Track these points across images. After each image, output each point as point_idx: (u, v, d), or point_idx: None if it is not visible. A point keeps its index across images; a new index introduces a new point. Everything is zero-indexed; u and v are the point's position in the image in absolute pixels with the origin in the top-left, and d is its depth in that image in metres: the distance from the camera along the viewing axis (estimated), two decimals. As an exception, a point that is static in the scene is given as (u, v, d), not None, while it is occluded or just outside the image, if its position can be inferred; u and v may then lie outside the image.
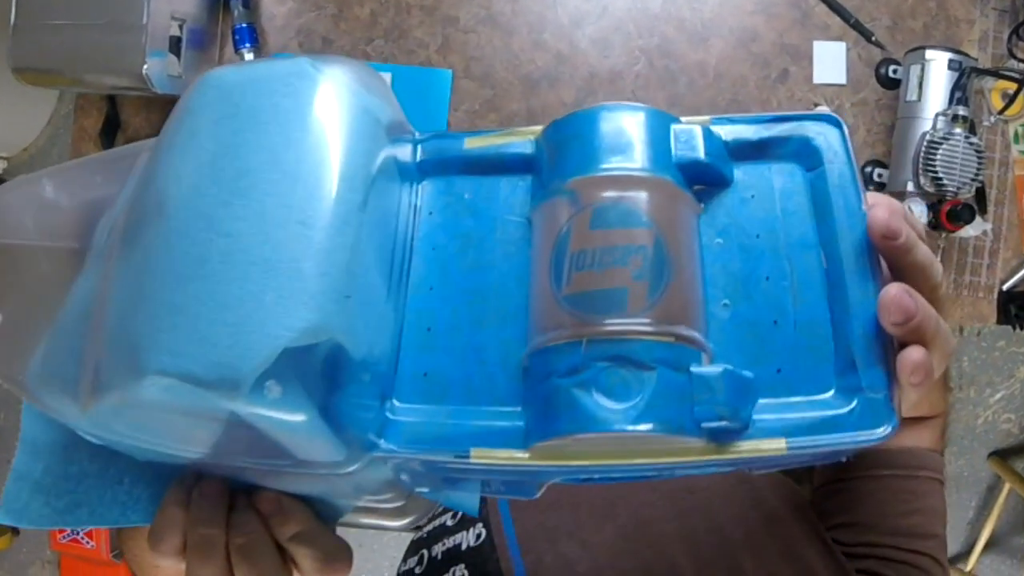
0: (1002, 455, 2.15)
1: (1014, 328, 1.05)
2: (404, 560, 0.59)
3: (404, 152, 0.41)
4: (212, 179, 0.34)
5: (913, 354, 0.32)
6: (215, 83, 0.38)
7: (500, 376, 0.36)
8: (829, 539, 0.59)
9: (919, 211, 0.93)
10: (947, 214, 0.92)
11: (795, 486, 0.66)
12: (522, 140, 0.41)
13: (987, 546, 2.07)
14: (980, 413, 2.15)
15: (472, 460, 0.33)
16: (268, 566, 0.38)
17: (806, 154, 0.38)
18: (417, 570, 0.57)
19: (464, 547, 0.57)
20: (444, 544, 0.58)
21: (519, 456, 0.33)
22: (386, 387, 0.36)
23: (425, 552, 0.58)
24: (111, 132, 1.01)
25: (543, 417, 0.33)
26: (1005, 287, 1.04)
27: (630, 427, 0.30)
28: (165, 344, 0.31)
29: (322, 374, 0.32)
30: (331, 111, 0.36)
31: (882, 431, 0.32)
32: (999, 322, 1.04)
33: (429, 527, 0.61)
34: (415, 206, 0.42)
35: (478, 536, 0.57)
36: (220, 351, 0.30)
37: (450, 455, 0.34)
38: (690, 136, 0.38)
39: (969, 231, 1.01)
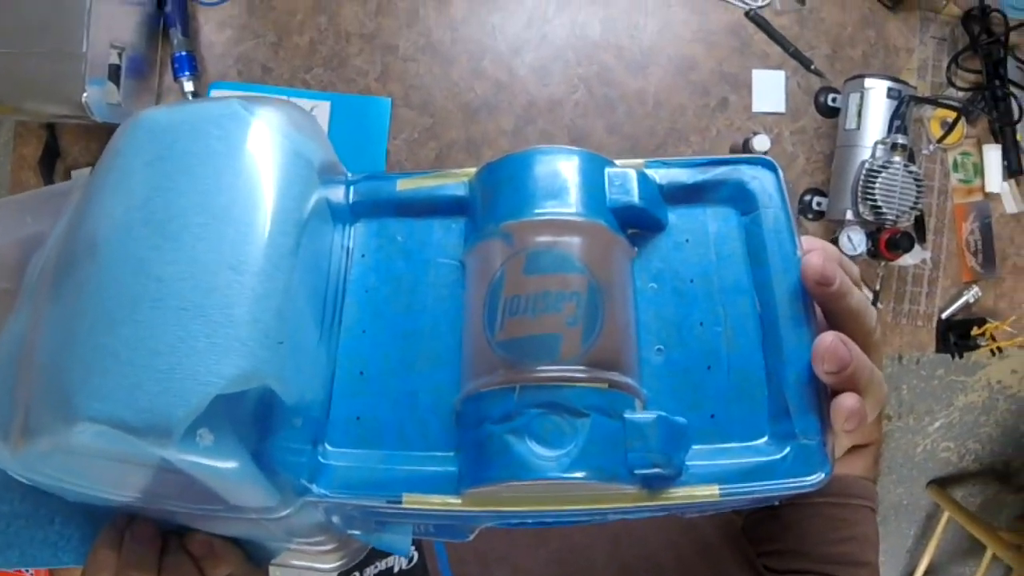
0: (941, 483, 2.15)
1: (953, 356, 1.03)
2: None
3: (336, 194, 0.41)
4: (143, 221, 0.34)
5: (847, 401, 0.31)
6: (147, 124, 0.37)
7: (433, 421, 0.35)
8: (760, 566, 0.59)
9: (858, 240, 0.93)
10: (886, 242, 0.91)
11: (728, 513, 0.66)
12: (455, 183, 0.40)
13: (926, 574, 2.06)
14: (919, 442, 2.14)
15: (404, 506, 0.33)
16: None
17: (741, 198, 0.38)
18: None
19: (396, 570, 0.56)
20: (376, 567, 0.57)
21: (452, 502, 0.33)
22: (318, 432, 0.36)
23: (357, 574, 0.57)
24: (50, 161, 0.99)
25: (476, 464, 0.32)
26: (944, 315, 1.04)
27: (563, 475, 0.30)
28: (95, 390, 0.30)
29: (254, 420, 0.31)
30: (263, 154, 0.36)
31: (815, 478, 0.32)
32: (938, 350, 1.04)
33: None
34: (347, 248, 0.41)
35: (410, 560, 0.57)
36: (151, 398, 0.30)
37: (382, 500, 0.33)
38: (624, 180, 0.37)
39: (908, 259, 1.00)
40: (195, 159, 0.36)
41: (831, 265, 0.33)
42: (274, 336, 0.32)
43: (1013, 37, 1.04)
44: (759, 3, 1.01)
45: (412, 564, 0.57)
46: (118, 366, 0.31)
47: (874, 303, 0.93)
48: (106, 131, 0.99)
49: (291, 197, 0.36)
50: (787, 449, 0.32)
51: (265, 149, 0.36)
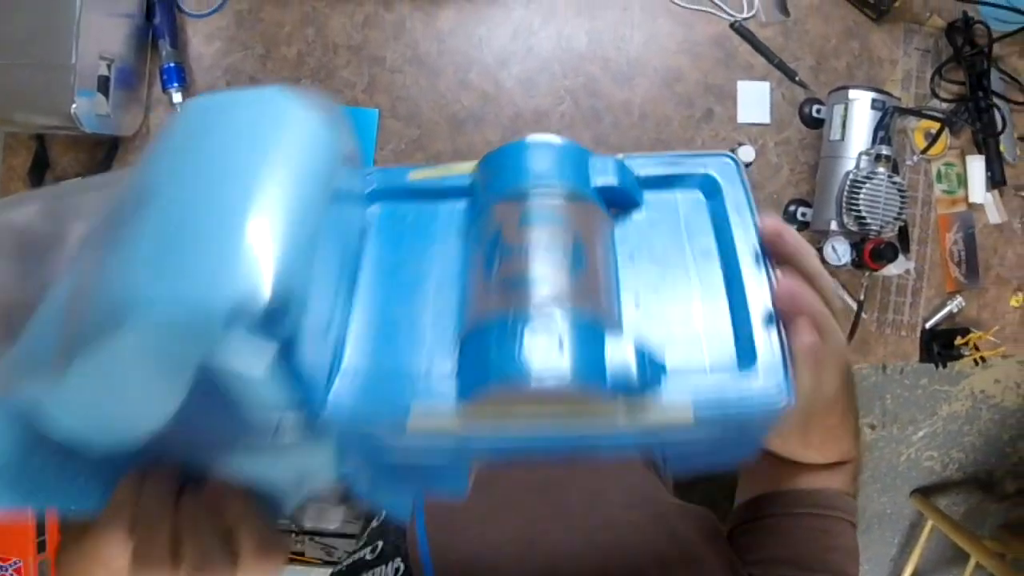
0: (925, 492, 2.16)
1: (937, 366, 1.04)
2: None
3: (355, 181, 0.46)
4: (194, 175, 0.37)
5: (805, 337, 0.36)
6: (197, 104, 0.42)
7: (438, 357, 0.39)
8: (745, 573, 0.60)
9: (842, 250, 0.93)
10: (870, 253, 0.91)
11: (712, 517, 0.65)
12: (460, 173, 0.46)
13: (910, 582, 2.09)
14: (903, 451, 2.15)
15: (411, 421, 0.36)
16: (210, 546, 0.39)
17: (707, 184, 0.44)
18: None
19: None
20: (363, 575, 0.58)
21: (452, 417, 0.36)
22: (335, 363, 0.39)
23: None
24: (40, 172, 1.00)
25: (475, 376, 0.36)
26: (928, 325, 1.04)
27: (553, 381, 0.34)
28: (143, 293, 0.33)
29: (286, 326, 0.34)
30: (303, 127, 0.40)
31: (781, 402, 0.35)
32: (922, 360, 1.04)
33: (348, 561, 0.61)
34: (362, 227, 0.46)
35: (396, 570, 0.57)
36: (194, 293, 0.32)
37: (391, 418, 0.37)
38: (605, 164, 0.43)
39: (892, 270, 1.01)
40: (242, 130, 0.40)
41: (785, 226, 0.39)
42: (308, 256, 0.36)
43: (996, 49, 1.04)
44: (744, 15, 1.02)
45: (398, 575, 0.57)
46: (165, 269, 0.33)
47: (858, 313, 0.94)
48: (95, 142, 1.00)
49: (325, 162, 0.40)
50: (754, 380, 0.36)
51: (305, 124, 0.40)
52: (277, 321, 0.34)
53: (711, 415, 0.35)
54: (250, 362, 0.33)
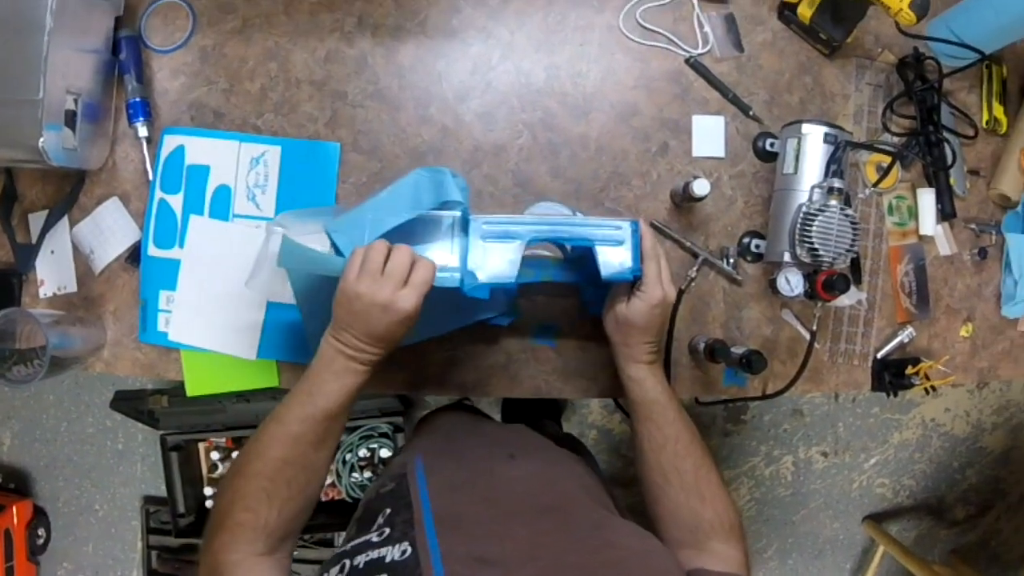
0: (876, 519, 2.19)
1: (888, 395, 1.05)
2: (326, 570, 0.61)
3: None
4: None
5: (645, 243, 0.82)
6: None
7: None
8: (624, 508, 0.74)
9: (795, 281, 0.94)
10: (823, 284, 0.91)
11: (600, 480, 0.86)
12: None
13: (862, 609, 2.10)
14: (855, 478, 2.17)
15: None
16: (399, 268, 0.73)
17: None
18: None
19: (388, 559, 0.58)
20: (368, 555, 0.59)
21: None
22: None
23: (347, 562, 0.58)
24: (8, 204, 1.01)
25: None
26: (879, 355, 1.06)
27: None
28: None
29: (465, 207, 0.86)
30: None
31: (635, 270, 0.83)
32: (874, 389, 1.05)
33: (354, 542, 0.63)
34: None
35: (403, 552, 0.59)
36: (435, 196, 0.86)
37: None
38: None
39: (844, 300, 1.02)
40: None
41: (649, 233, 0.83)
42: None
43: (946, 84, 1.06)
44: (699, 51, 1.04)
45: (405, 556, 0.58)
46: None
47: (811, 343, 0.95)
48: (63, 175, 1.01)
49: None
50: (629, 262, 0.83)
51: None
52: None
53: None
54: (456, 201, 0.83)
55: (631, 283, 0.84)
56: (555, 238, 0.84)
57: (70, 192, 1.02)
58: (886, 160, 1.03)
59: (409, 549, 0.59)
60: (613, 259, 0.83)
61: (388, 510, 0.67)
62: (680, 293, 1.00)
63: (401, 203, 0.83)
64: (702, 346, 0.99)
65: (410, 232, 0.83)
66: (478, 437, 0.93)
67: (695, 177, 0.96)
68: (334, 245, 0.84)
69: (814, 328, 0.97)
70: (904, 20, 0.93)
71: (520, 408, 1.92)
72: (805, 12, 1.02)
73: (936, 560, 2.19)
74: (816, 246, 0.92)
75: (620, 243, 0.83)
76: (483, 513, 0.66)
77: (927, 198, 1.05)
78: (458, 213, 0.84)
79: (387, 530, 0.62)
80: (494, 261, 0.82)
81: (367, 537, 0.62)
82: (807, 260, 0.94)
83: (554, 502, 0.69)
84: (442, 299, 0.80)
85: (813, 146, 0.94)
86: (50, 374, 0.91)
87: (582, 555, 0.60)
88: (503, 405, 1.98)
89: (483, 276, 0.82)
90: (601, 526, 0.66)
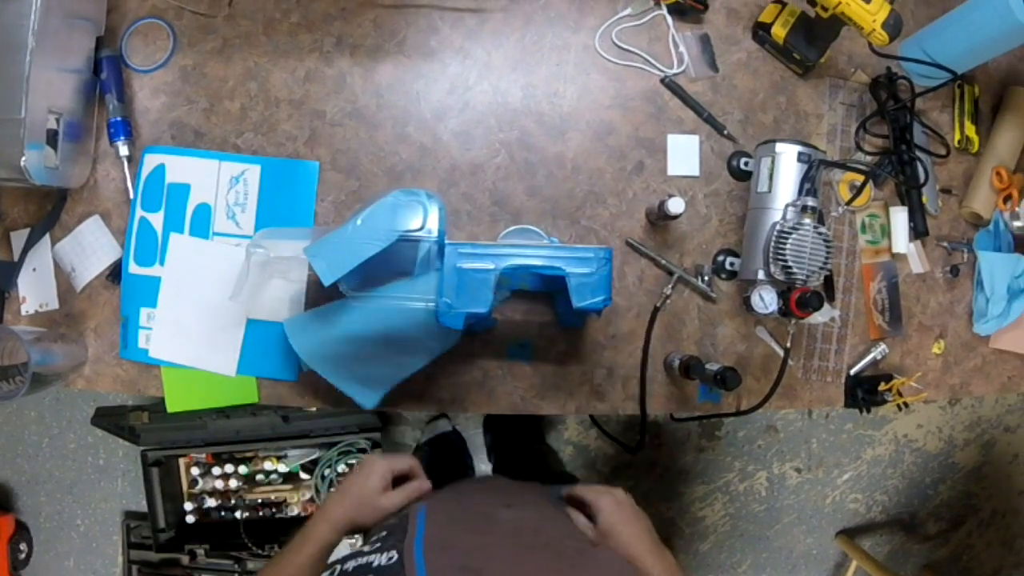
0: (849, 534, 2.21)
1: (861, 411, 1.06)
2: None
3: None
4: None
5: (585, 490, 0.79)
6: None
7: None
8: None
9: (769, 298, 0.94)
10: (796, 301, 0.93)
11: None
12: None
13: (835, 622, 2.10)
14: (828, 493, 2.19)
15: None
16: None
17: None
18: None
19: (375, 564, 0.61)
20: (356, 561, 0.62)
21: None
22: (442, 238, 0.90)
23: (338, 566, 0.62)
24: (-10, 221, 1.05)
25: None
26: (853, 371, 1.07)
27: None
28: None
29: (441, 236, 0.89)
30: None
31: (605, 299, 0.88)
32: (847, 405, 1.06)
33: (346, 551, 0.67)
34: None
35: (390, 558, 0.61)
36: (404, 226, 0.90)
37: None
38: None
39: (818, 318, 1.03)
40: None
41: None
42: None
43: (919, 103, 1.08)
44: (674, 70, 1.06)
45: (391, 562, 0.61)
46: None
47: (785, 360, 0.97)
48: (45, 194, 1.02)
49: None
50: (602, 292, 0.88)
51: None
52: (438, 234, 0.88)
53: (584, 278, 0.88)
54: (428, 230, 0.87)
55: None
56: (529, 268, 0.87)
57: (52, 210, 1.03)
58: (859, 179, 1.04)
59: (396, 555, 0.62)
60: (585, 288, 0.87)
61: (384, 532, 0.70)
62: (655, 310, 1.01)
63: (379, 226, 0.85)
64: (677, 363, 1.01)
65: (387, 257, 0.85)
66: (482, 492, 0.96)
67: (670, 196, 0.98)
68: (313, 269, 0.86)
69: (788, 345, 0.98)
70: (877, 41, 0.94)
71: (501, 422, 1.95)
72: (779, 32, 1.04)
73: (909, 575, 2.22)
74: (790, 264, 0.93)
75: (592, 273, 0.87)
76: (472, 540, 0.68)
77: (900, 216, 1.07)
78: (434, 237, 0.86)
79: (379, 544, 0.66)
80: (469, 292, 0.86)
81: (361, 549, 0.66)
82: (781, 278, 0.95)
83: (543, 541, 0.71)
84: (399, 339, 0.92)
85: (787, 165, 0.96)
86: (32, 390, 0.91)
87: (564, 573, 0.64)
88: (484, 420, 2.01)
89: (459, 306, 0.86)
90: (585, 553, 0.69)
